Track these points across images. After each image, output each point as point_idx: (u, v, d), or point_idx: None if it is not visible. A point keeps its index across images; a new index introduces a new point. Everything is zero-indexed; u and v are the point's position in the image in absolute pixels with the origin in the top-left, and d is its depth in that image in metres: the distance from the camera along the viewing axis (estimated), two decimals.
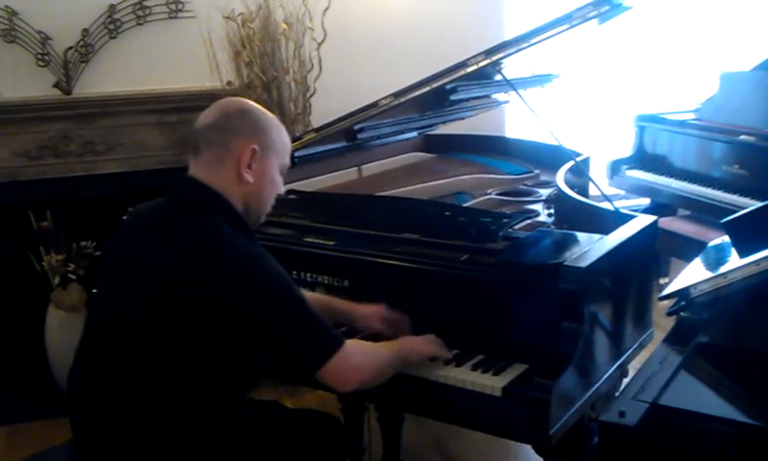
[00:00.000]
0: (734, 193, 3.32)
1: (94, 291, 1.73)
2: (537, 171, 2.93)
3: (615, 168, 3.95)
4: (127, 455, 1.58)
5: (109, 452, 1.59)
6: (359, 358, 1.64)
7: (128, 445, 1.57)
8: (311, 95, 3.51)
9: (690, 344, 1.60)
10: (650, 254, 2.14)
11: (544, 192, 2.62)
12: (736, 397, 1.46)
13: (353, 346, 1.64)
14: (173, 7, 3.56)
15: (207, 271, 1.51)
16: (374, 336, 1.85)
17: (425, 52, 3.39)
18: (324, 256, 2.06)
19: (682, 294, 1.64)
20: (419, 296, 1.92)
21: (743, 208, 1.86)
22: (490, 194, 2.62)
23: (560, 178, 2.41)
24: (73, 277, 3.29)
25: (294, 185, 2.41)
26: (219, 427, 1.61)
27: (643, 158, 3.91)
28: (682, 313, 1.72)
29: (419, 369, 1.76)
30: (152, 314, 1.55)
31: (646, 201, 3.92)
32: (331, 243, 2.08)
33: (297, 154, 2.39)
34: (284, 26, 3.45)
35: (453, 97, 2.44)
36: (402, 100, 2.36)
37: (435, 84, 2.32)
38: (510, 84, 2.42)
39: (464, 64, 2.29)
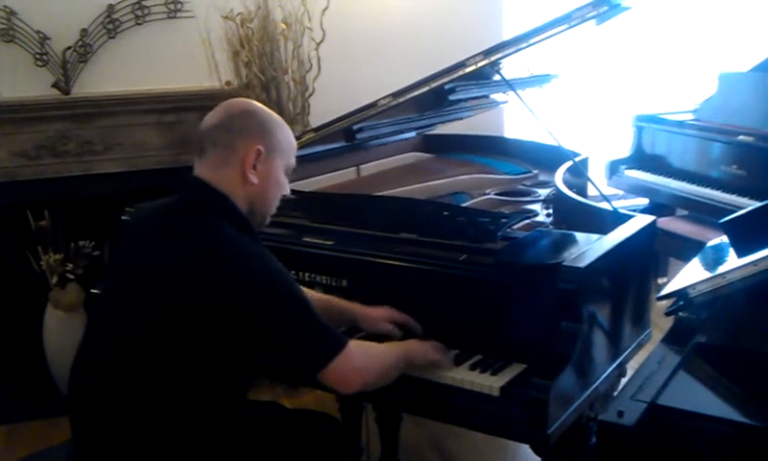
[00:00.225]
0: (733, 193, 3.32)
1: (93, 291, 1.73)
2: (535, 171, 2.93)
3: (614, 168, 3.95)
4: (126, 455, 1.58)
5: (109, 452, 1.59)
6: (361, 360, 1.63)
7: (127, 444, 1.57)
8: (310, 95, 3.51)
9: (689, 344, 1.60)
10: (648, 254, 2.14)
11: (543, 192, 2.62)
12: (735, 397, 1.46)
13: (356, 347, 1.63)
14: (171, 7, 3.56)
15: (210, 271, 1.50)
16: (376, 336, 1.84)
17: (424, 52, 3.38)
18: (322, 256, 2.05)
19: (680, 294, 1.64)
20: (417, 296, 1.91)
21: (741, 209, 1.86)
22: (488, 194, 2.62)
23: (558, 178, 2.41)
24: (71, 276, 3.28)
25: (292, 185, 2.40)
26: (219, 427, 1.61)
27: (642, 159, 3.92)
28: (680, 313, 1.72)
29: (417, 369, 1.75)
30: (153, 314, 1.55)
31: (645, 201, 3.92)
32: (330, 243, 2.08)
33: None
34: (283, 26, 3.45)
35: (452, 97, 2.43)
36: (401, 100, 2.36)
37: (434, 85, 2.32)
38: (508, 85, 2.42)
39: (462, 65, 2.29)
